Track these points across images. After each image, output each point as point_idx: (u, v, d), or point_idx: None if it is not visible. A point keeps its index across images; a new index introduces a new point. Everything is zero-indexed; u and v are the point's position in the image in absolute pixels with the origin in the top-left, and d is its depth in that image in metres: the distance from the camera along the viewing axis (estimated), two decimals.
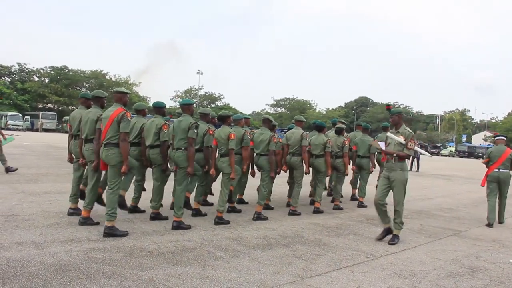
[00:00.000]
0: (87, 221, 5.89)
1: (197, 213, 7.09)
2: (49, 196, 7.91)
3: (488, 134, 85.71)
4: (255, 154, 7.62)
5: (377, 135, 10.54)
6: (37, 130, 48.21)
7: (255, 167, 8.00)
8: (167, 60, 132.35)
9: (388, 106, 5.94)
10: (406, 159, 6.34)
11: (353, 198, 10.29)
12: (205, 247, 5.28)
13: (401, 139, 6.20)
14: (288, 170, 8.30)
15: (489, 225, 8.23)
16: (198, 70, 71.82)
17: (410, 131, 6.31)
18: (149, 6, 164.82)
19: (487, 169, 8.71)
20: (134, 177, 6.98)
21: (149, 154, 6.68)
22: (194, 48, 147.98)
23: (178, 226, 6.08)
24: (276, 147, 7.48)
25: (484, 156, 9.02)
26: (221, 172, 6.91)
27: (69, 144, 6.65)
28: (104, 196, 6.07)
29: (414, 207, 10.00)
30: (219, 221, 6.65)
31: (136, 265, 4.40)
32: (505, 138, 9.15)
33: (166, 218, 6.59)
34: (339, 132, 8.99)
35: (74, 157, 6.63)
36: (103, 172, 6.00)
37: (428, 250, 5.96)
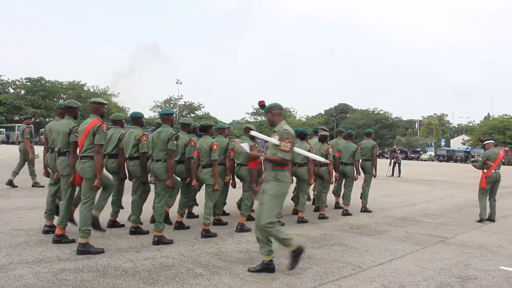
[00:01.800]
0: (61, 239, 5.55)
1: (179, 226, 6.82)
2: (20, 212, 7.51)
3: (466, 137, 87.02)
4: (235, 164, 7.37)
5: (361, 141, 10.39)
6: (13, 143, 47.12)
7: (236, 178, 7.76)
8: (147, 64, 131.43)
9: (261, 103, 5.07)
10: (285, 166, 4.81)
11: (336, 206, 10.12)
12: (184, 263, 5.00)
13: (275, 139, 4.80)
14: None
15: (481, 220, 9.13)
16: (177, 79, 71.17)
17: (286, 128, 4.78)
18: (128, 10, 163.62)
19: (485, 171, 9.25)
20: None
21: (128, 166, 6.44)
22: (173, 55, 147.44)
23: (159, 241, 5.80)
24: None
25: (481, 160, 9.39)
26: (204, 184, 6.68)
27: (44, 157, 6.33)
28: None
29: (398, 213, 9.86)
30: (206, 234, 6.41)
31: (109, 286, 4.10)
32: (493, 142, 9.75)
33: (146, 232, 6.31)
34: (323, 139, 8.79)
35: (50, 171, 6.30)
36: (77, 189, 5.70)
37: (415, 259, 5.77)
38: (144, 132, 6.41)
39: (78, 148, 5.39)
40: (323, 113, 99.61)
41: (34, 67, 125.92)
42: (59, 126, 5.79)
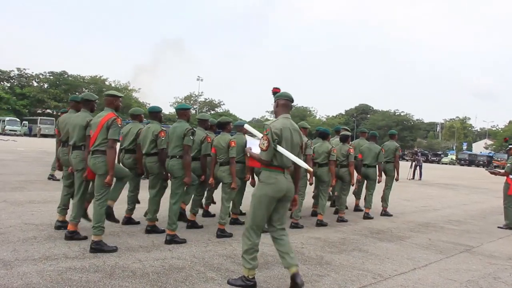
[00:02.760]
0: (73, 236, 5.38)
1: (192, 225, 6.61)
2: (33, 206, 7.38)
3: (489, 142, 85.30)
4: None
5: (384, 143, 10.03)
6: (35, 136, 47.70)
7: (255, 177, 7.51)
8: (169, 59, 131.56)
9: (274, 89, 4.77)
10: (271, 166, 4.14)
11: (356, 209, 9.80)
12: (195, 265, 4.77)
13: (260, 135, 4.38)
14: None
15: (510, 227, 8.95)
16: (198, 76, 71.32)
17: (272, 123, 4.24)
18: (147, 10, 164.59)
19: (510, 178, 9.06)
20: (128, 187, 6.52)
21: (145, 162, 6.21)
22: (195, 52, 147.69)
23: (172, 240, 5.61)
24: None
25: (507, 170, 9.08)
26: (221, 182, 6.49)
27: (57, 151, 6.19)
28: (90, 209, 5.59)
29: (420, 219, 9.50)
30: (221, 234, 6.23)
31: None
32: None
33: (163, 231, 6.07)
34: (344, 139, 8.49)
35: (62, 165, 6.15)
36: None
37: (440, 270, 5.45)
38: (163, 128, 6.19)
39: (90, 142, 5.20)
40: (344, 113, 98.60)
41: (58, 61, 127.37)
42: (74, 119, 5.60)
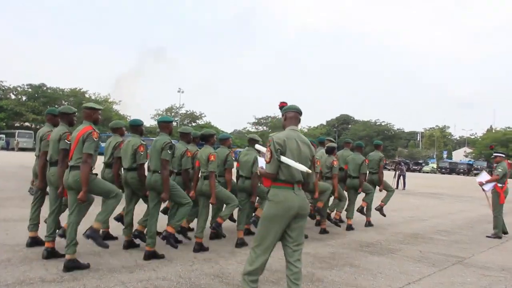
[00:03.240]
0: (53, 251, 5.20)
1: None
2: (7, 224, 7.03)
3: (468, 150, 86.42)
4: (240, 176, 6.92)
5: (369, 153, 9.90)
6: (13, 149, 46.71)
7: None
8: (150, 69, 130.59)
9: (281, 104, 4.30)
10: (278, 182, 3.83)
11: (335, 221, 9.44)
12: (182, 286, 4.51)
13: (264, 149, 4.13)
14: None
15: (496, 237, 8.86)
16: (179, 88, 70.73)
17: (276, 134, 3.98)
18: (132, 16, 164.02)
19: (500, 185, 9.03)
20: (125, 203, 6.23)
21: (126, 177, 5.95)
22: (175, 63, 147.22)
23: (151, 255, 5.46)
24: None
25: (500, 172, 9.02)
26: (204, 196, 6.32)
27: (35, 166, 5.93)
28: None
29: (408, 230, 9.36)
30: (198, 247, 6.06)
31: None
32: (503, 155, 9.40)
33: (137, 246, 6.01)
34: (330, 151, 8.33)
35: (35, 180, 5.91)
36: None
37: (435, 284, 5.28)
38: (142, 142, 5.95)
39: (68, 156, 4.95)
40: (325, 123, 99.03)
41: (36, 73, 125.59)
42: (52, 134, 5.40)
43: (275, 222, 3.77)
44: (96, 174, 5.02)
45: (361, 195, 9.50)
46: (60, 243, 5.33)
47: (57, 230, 5.46)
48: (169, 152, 5.50)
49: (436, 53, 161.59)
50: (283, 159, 3.76)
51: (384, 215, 9.79)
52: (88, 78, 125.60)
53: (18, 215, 7.83)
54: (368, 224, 9.42)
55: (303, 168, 3.75)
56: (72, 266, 4.73)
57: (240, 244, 6.59)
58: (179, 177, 6.39)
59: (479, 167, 59.28)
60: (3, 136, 50.21)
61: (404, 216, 11.72)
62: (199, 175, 6.37)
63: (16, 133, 49.32)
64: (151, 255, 5.44)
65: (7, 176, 15.61)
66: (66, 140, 5.10)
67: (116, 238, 6.34)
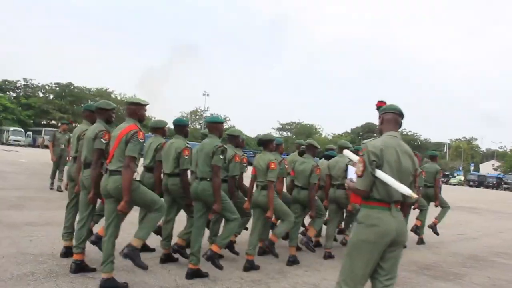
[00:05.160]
0: (82, 265, 4.53)
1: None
2: (31, 229, 6.37)
3: (497, 163, 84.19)
4: (295, 186, 6.17)
5: (424, 165, 9.03)
6: (38, 147, 46.92)
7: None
8: (176, 70, 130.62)
9: (379, 103, 3.90)
10: (369, 201, 3.14)
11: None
12: None
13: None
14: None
15: None
16: (205, 91, 70.48)
17: (371, 141, 3.28)
18: (160, 20, 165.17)
19: None
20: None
21: (167, 183, 5.26)
22: (201, 64, 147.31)
23: (194, 273, 4.77)
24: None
25: None
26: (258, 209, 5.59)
27: (69, 168, 5.28)
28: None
29: (464, 250, 8.47)
30: (250, 266, 5.34)
31: None
32: None
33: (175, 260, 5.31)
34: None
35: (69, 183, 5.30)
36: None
37: None
38: (187, 145, 5.26)
39: (108, 158, 4.26)
40: (349, 131, 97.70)
41: (63, 72, 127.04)
42: (87, 132, 4.76)
43: (366, 250, 3.03)
44: (140, 182, 4.31)
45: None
46: (90, 255, 4.67)
47: (91, 237, 4.82)
48: (221, 157, 4.79)
49: (465, 67, 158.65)
50: (379, 174, 3.01)
51: (437, 234, 8.93)
52: (114, 78, 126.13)
53: (43, 219, 7.22)
54: (421, 241, 8.58)
55: (405, 190, 2.97)
56: (109, 286, 4.05)
57: (292, 261, 5.87)
58: (224, 184, 5.62)
59: (509, 181, 57.55)
60: (30, 133, 50.56)
61: (452, 233, 10.76)
62: (255, 184, 5.66)
63: (43, 131, 49.57)
64: (194, 274, 4.74)
65: (31, 173, 15.18)
66: (102, 139, 4.43)
67: (153, 250, 5.64)
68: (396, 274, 3.20)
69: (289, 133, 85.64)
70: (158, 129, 5.80)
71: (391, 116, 3.32)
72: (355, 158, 3.59)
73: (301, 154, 6.58)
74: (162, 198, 4.72)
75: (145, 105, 4.40)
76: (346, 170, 6.33)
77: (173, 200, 5.37)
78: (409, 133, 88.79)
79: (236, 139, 5.83)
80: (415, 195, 2.96)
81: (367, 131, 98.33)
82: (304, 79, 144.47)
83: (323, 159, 7.20)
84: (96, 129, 4.60)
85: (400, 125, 3.32)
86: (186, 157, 5.12)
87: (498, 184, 57.69)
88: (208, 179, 4.80)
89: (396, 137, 3.23)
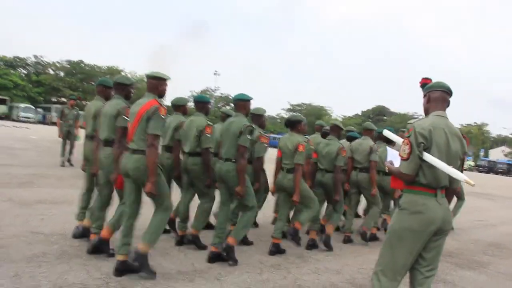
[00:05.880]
0: (102, 246, 4.29)
1: (241, 241, 5.34)
2: (42, 207, 6.19)
3: (507, 149, 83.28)
4: (318, 169, 5.90)
5: None
6: (48, 124, 46.92)
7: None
8: (188, 47, 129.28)
9: (424, 80, 3.23)
10: (415, 186, 2.86)
11: None
12: None
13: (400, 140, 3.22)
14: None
15: None
16: (215, 71, 70.02)
17: (416, 122, 2.94)
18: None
19: None
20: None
21: (187, 163, 4.99)
22: (213, 43, 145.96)
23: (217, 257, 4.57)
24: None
25: None
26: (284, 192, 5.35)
27: (84, 146, 5.00)
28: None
29: (486, 237, 8.22)
30: (275, 249, 5.15)
31: None
32: None
33: (204, 248, 4.98)
34: (389, 141, 7.05)
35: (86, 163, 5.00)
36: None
37: None
38: (209, 122, 4.99)
39: (128, 136, 3.98)
40: (360, 114, 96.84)
41: (75, 50, 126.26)
42: (106, 108, 4.48)
43: (409, 239, 2.79)
44: (161, 169, 4.01)
45: None
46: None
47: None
48: (249, 138, 4.51)
49: (477, 50, 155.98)
50: (427, 157, 2.74)
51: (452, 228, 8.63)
52: (125, 56, 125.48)
53: (54, 197, 7.02)
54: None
55: (458, 175, 2.72)
56: (124, 269, 3.82)
57: (311, 245, 5.66)
58: (249, 166, 5.32)
59: None
60: (41, 110, 50.55)
61: (470, 219, 10.49)
62: (281, 167, 5.38)
63: (53, 108, 49.51)
64: (216, 257, 4.54)
65: (42, 150, 15.02)
66: (125, 117, 4.15)
67: (168, 231, 5.41)
68: (437, 265, 2.97)
69: (299, 114, 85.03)
70: (180, 106, 5.53)
71: (439, 94, 3.00)
72: (398, 139, 3.31)
73: (324, 135, 6.32)
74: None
75: (167, 79, 4.09)
76: (370, 153, 6.11)
77: (191, 181, 5.13)
78: (420, 117, 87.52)
79: (260, 118, 5.52)
80: (471, 182, 2.69)
81: (378, 113, 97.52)
82: (315, 61, 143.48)
83: (345, 140, 6.89)
84: (117, 106, 4.35)
85: (448, 104, 3.02)
86: (209, 136, 4.86)
87: (508, 171, 57.11)
88: (233, 160, 4.55)
89: (445, 117, 2.94)
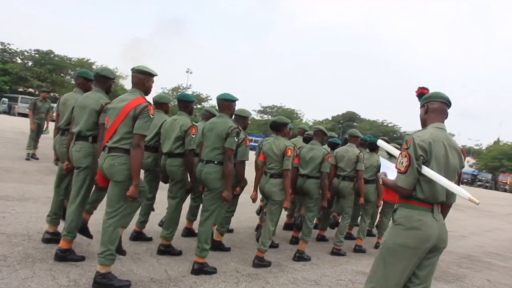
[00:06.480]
0: (67, 255, 3.98)
1: (217, 247, 5.25)
2: (5, 204, 5.81)
3: (472, 160, 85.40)
4: (300, 175, 5.70)
5: None
6: (14, 115, 45.44)
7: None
8: (161, 43, 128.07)
9: (420, 90, 3.13)
10: (409, 200, 2.74)
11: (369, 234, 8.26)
12: None
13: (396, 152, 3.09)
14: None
15: None
16: (188, 69, 69.38)
17: (415, 133, 2.77)
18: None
19: None
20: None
21: (166, 165, 4.76)
22: (186, 41, 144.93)
23: (201, 269, 4.26)
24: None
25: None
26: (268, 198, 5.06)
27: (54, 139, 4.67)
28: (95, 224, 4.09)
29: (458, 249, 8.25)
30: (260, 263, 4.89)
31: None
32: None
33: (179, 253, 4.76)
34: (373, 149, 6.97)
35: (60, 159, 4.63)
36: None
37: None
38: (194, 123, 4.77)
39: (107, 134, 3.68)
40: (330, 119, 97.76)
41: (44, 39, 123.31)
42: (84, 100, 4.17)
43: (404, 256, 2.66)
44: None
45: None
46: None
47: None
48: (236, 140, 4.32)
49: (445, 61, 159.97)
50: (427, 171, 2.61)
51: None
52: (97, 49, 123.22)
53: (18, 193, 6.63)
54: None
55: (461, 192, 2.60)
56: (104, 282, 3.52)
57: (299, 257, 5.52)
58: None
59: (483, 178, 58.61)
60: (6, 100, 48.94)
61: None
62: (264, 171, 5.13)
63: (19, 98, 48.02)
64: (201, 269, 4.29)
65: (7, 142, 14.40)
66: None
67: (150, 238, 5.19)
68: (430, 284, 2.82)
69: (270, 116, 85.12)
70: (162, 104, 5.31)
71: (438, 105, 2.87)
72: (393, 151, 3.17)
73: (306, 140, 6.17)
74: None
75: (155, 76, 3.85)
76: (356, 162, 6.00)
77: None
78: (389, 125, 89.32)
79: (245, 120, 5.28)
80: (476, 200, 2.56)
81: (348, 119, 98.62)
82: (287, 64, 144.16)
83: (326, 146, 6.75)
84: (101, 100, 4.11)
85: (447, 115, 2.89)
86: (193, 136, 4.65)
87: (472, 181, 58.64)
88: (216, 162, 4.34)
89: (444, 129, 2.81)
